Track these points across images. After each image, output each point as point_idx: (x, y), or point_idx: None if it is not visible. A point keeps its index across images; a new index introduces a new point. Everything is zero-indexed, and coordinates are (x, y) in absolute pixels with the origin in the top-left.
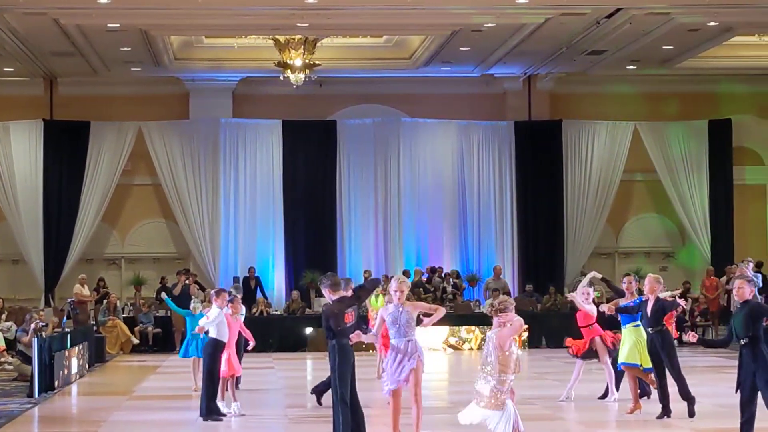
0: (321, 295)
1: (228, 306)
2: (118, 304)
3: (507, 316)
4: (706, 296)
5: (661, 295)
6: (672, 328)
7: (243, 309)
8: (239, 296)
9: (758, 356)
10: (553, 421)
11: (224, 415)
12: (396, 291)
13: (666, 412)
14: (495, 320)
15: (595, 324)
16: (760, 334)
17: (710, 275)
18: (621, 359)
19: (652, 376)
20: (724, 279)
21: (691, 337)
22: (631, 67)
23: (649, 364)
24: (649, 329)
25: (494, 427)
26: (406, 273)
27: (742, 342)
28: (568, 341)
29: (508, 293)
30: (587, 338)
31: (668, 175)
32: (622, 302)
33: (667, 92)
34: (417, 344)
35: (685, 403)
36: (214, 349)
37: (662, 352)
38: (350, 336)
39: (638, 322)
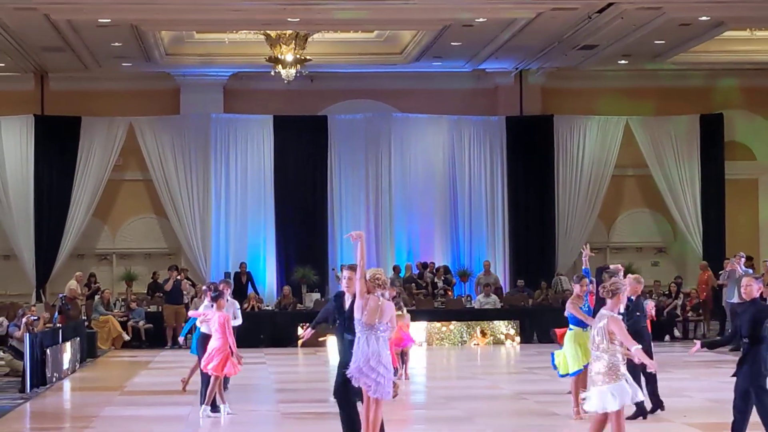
0: (312, 291)
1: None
2: (110, 299)
3: (619, 298)
4: (699, 291)
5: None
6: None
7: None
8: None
9: (756, 360)
10: (545, 416)
11: (217, 409)
12: (370, 278)
13: (658, 406)
14: (608, 302)
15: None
16: (761, 336)
17: (705, 270)
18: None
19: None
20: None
21: (694, 350)
22: (623, 61)
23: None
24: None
25: (610, 403)
26: (396, 268)
27: (744, 341)
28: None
29: (499, 289)
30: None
31: (660, 170)
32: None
33: (659, 87)
34: (385, 344)
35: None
36: (202, 343)
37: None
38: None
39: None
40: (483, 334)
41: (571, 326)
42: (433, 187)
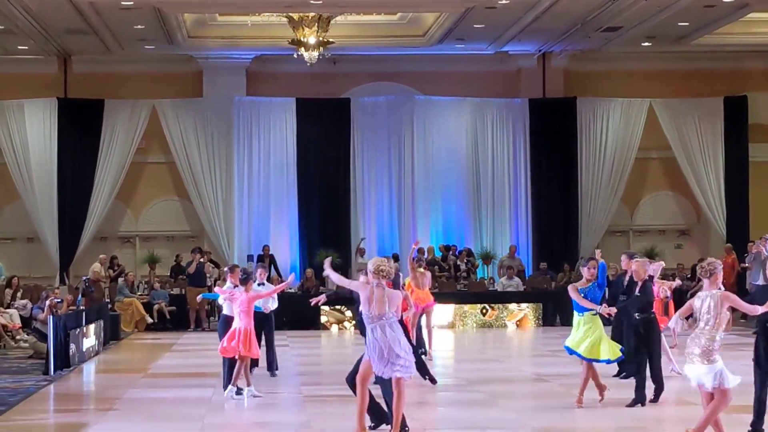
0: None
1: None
2: (134, 282)
3: (716, 277)
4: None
5: (657, 282)
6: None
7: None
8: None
9: None
10: (567, 398)
11: (241, 392)
12: (374, 270)
13: (640, 399)
14: (705, 282)
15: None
16: None
17: (730, 253)
18: (584, 353)
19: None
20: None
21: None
22: (647, 44)
23: (609, 356)
24: (636, 315)
25: (704, 381)
26: (395, 257)
27: None
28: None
29: (522, 271)
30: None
31: (683, 152)
32: (579, 286)
33: (683, 69)
34: (398, 327)
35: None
36: (224, 325)
37: (646, 340)
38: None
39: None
40: (491, 308)
41: (581, 313)
42: (456, 170)
